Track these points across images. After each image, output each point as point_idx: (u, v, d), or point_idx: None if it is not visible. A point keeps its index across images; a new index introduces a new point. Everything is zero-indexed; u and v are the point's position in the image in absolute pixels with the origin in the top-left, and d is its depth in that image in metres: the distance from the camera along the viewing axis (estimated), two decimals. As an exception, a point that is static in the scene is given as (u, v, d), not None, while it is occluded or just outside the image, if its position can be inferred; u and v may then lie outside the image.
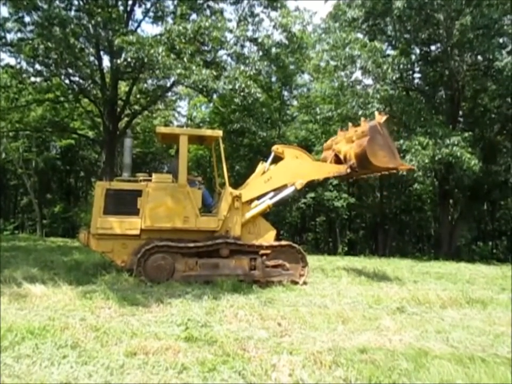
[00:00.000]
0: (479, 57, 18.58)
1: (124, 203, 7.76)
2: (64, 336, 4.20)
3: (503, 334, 4.96)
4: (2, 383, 3.21)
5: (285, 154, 8.83)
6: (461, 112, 20.28)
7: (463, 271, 12.08)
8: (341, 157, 8.94)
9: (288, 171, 8.62)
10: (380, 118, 8.45)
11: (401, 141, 16.34)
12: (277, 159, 8.96)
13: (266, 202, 8.60)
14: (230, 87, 15.73)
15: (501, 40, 17.26)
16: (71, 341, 4.07)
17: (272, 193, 8.69)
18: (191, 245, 7.76)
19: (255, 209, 8.48)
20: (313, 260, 11.86)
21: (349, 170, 8.72)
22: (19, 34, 17.11)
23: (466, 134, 16.17)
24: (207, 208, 8.56)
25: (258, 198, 8.59)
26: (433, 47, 19.84)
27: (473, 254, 25.60)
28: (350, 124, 9.49)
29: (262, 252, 8.12)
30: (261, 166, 8.92)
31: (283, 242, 8.51)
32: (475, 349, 4.40)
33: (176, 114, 30.66)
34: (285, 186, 8.67)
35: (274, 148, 8.98)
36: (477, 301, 6.83)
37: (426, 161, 15.60)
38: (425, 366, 3.80)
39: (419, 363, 3.85)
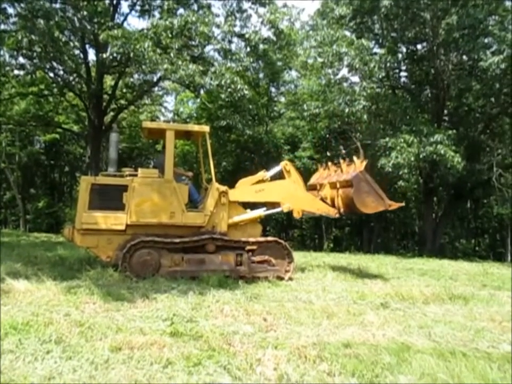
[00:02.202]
0: (464, 56, 18.77)
1: (109, 198, 7.69)
2: (48, 332, 4.16)
3: (484, 329, 5.06)
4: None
5: (291, 173, 8.99)
6: (445, 111, 20.47)
7: (446, 268, 12.25)
8: (328, 202, 9.10)
9: (283, 192, 8.69)
10: (361, 165, 8.49)
11: (387, 139, 16.49)
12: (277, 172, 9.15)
13: (260, 212, 8.72)
14: (217, 83, 15.67)
15: (486, 40, 17.44)
16: (55, 336, 4.04)
17: (265, 208, 8.82)
18: (177, 240, 7.74)
19: (246, 215, 8.58)
20: (299, 256, 11.91)
21: (337, 216, 9.00)
22: (2, 26, 16.75)
23: (450, 132, 16.35)
24: (193, 203, 8.53)
25: (244, 204, 8.71)
26: (419, 46, 20.00)
27: (456, 251, 26.01)
28: (329, 164, 9.67)
29: (248, 247, 8.15)
30: (262, 174, 9.02)
31: (269, 238, 8.58)
32: (456, 344, 4.48)
33: (163, 109, 30.45)
34: (274, 204, 8.79)
35: (283, 163, 9.13)
36: (459, 297, 6.95)
37: (412, 158, 15.75)
38: (407, 360, 3.86)
39: (401, 357, 3.91)
